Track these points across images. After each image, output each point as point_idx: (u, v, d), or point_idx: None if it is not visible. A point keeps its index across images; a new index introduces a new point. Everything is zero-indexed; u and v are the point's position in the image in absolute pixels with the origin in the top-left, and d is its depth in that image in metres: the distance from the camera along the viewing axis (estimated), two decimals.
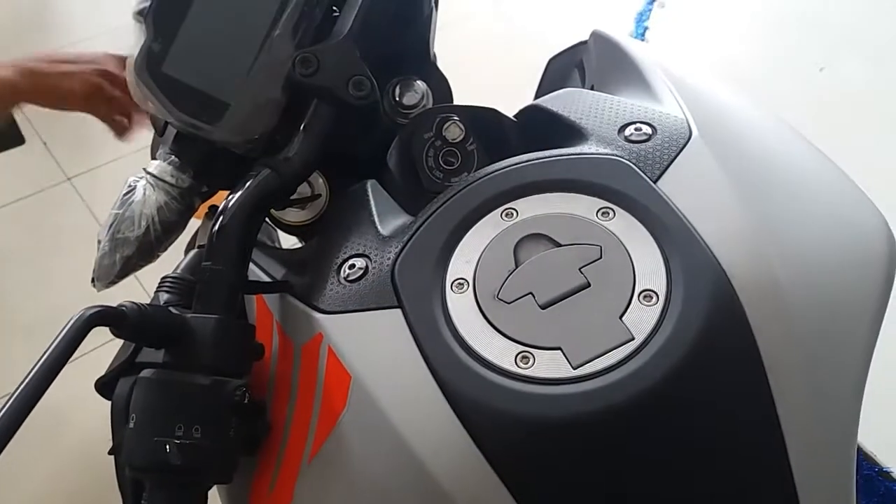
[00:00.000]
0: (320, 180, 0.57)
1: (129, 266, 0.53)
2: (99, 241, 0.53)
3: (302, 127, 0.48)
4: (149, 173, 0.53)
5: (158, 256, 0.56)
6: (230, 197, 0.45)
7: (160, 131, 0.55)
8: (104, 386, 0.45)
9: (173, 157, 0.53)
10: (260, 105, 0.49)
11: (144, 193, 0.52)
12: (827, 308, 0.39)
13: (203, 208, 0.61)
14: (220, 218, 0.44)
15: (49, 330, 0.35)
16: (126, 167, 1.66)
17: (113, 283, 0.54)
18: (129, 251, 0.52)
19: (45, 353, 0.34)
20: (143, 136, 1.65)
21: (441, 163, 0.54)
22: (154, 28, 0.47)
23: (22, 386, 0.32)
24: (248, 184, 0.45)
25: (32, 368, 0.33)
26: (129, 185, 0.53)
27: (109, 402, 0.45)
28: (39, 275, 1.51)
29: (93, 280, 0.55)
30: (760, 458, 0.35)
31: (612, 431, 0.34)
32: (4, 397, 0.33)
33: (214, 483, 0.40)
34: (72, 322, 0.35)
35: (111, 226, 0.52)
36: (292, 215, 0.59)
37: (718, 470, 0.35)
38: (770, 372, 0.35)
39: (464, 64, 0.90)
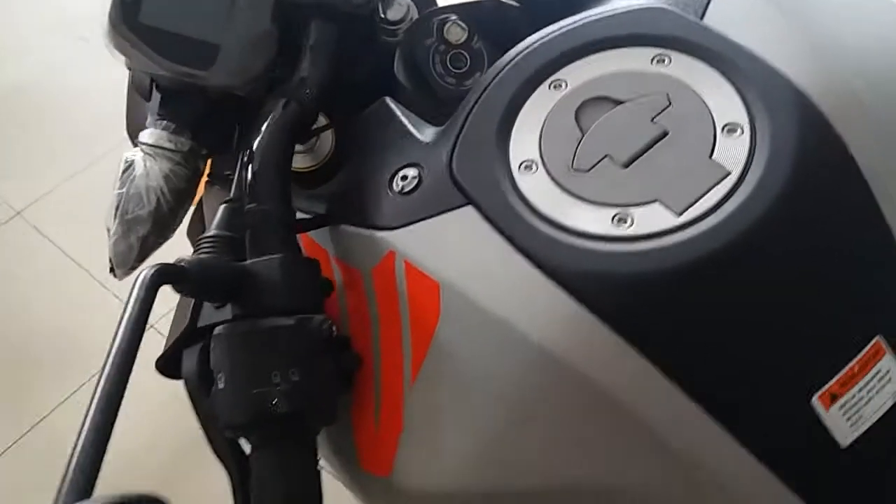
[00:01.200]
0: (322, 120, 0.54)
1: (148, 246, 0.49)
2: (108, 229, 0.50)
3: (309, 48, 0.45)
4: (145, 144, 0.49)
5: (174, 231, 0.52)
6: (254, 137, 0.42)
7: (146, 95, 0.51)
8: (166, 363, 0.42)
9: (166, 121, 0.49)
10: (252, 40, 0.45)
11: (146, 166, 0.48)
12: None
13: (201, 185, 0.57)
14: (253, 158, 0.41)
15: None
16: (76, 187, 1.59)
17: (133, 267, 0.50)
18: (145, 230, 0.48)
19: (121, 323, 0.31)
20: (90, 151, 1.58)
21: (450, 67, 0.51)
22: None
23: (111, 357, 0.30)
24: (269, 118, 0.42)
25: (114, 340, 0.31)
26: (127, 161, 0.49)
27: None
28: (15, 312, 1.44)
29: (111, 269, 0.51)
30: (878, 266, 0.35)
31: (735, 267, 0.32)
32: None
33: (321, 426, 0.38)
34: (137, 286, 0.33)
35: (118, 207, 0.48)
36: (298, 161, 0.56)
37: (839, 283, 0.34)
38: (871, 181, 0.35)
39: None
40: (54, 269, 1.46)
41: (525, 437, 0.35)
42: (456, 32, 0.51)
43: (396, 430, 0.39)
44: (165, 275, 0.34)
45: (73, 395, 1.27)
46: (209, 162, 0.55)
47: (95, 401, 0.28)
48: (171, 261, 0.35)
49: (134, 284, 0.33)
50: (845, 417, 0.34)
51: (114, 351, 0.30)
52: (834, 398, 0.33)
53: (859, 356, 0.33)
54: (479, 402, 0.36)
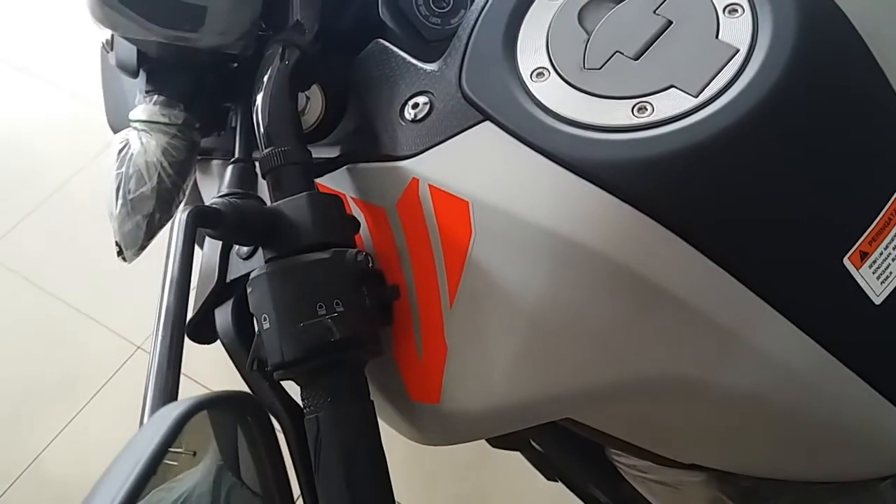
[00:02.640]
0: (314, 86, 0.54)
1: (154, 224, 0.48)
2: (110, 214, 0.49)
3: None
4: (138, 121, 0.48)
5: (178, 207, 0.51)
6: (258, 85, 0.41)
7: (133, 72, 0.50)
8: (197, 327, 0.42)
9: (156, 95, 0.48)
10: None
11: (142, 142, 0.48)
12: None
13: None
14: (261, 104, 0.40)
15: None
16: (42, 220, 1.54)
17: (143, 247, 0.49)
18: (149, 207, 0.47)
19: (168, 265, 0.31)
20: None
21: (434, 8, 0.51)
22: None
23: (168, 289, 0.30)
24: (271, 65, 0.42)
25: (164, 280, 0.31)
26: (122, 141, 0.49)
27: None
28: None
29: (119, 252, 0.50)
30: (889, 124, 0.36)
31: (755, 137, 0.33)
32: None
33: (369, 357, 0.38)
34: (177, 229, 0.32)
35: (119, 188, 0.48)
36: None
37: (854, 143, 0.35)
38: (870, 43, 0.36)
39: None
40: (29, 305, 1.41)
41: (571, 336, 0.36)
42: None
43: (441, 355, 0.39)
44: (202, 216, 0.34)
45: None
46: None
47: (161, 326, 0.28)
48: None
49: (173, 229, 0.32)
50: (875, 275, 0.35)
51: (167, 284, 0.29)
52: (864, 256, 0.34)
53: (883, 212, 0.34)
54: (522, 310, 0.36)
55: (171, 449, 0.24)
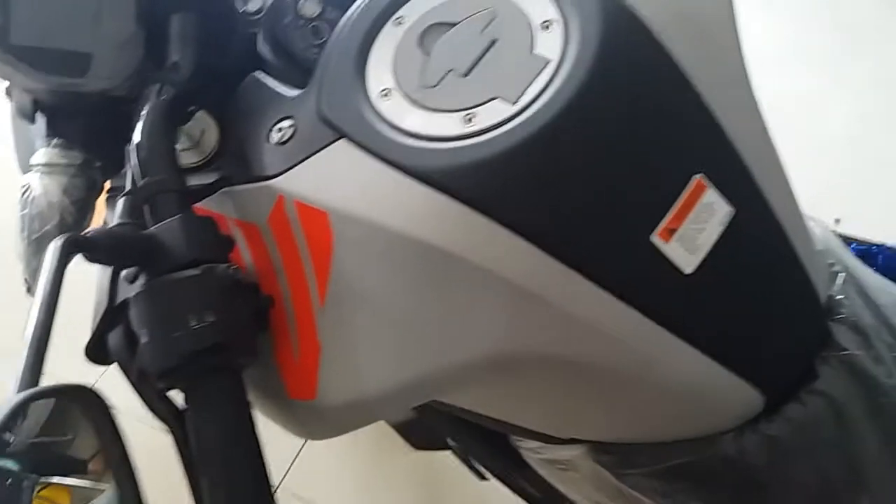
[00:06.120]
0: (208, 118, 0.57)
1: None
2: (19, 254, 0.51)
3: (174, 38, 0.48)
4: (38, 165, 0.51)
5: None
6: (135, 121, 0.45)
7: (30, 118, 0.53)
8: (94, 349, 0.45)
9: (55, 139, 0.51)
10: (120, 44, 0.48)
11: (43, 184, 0.51)
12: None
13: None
14: (137, 139, 0.43)
15: None
16: None
17: None
18: None
19: (38, 293, 0.34)
20: None
21: (311, 39, 0.55)
22: None
23: (32, 327, 0.33)
24: (148, 104, 0.45)
25: (32, 310, 0.33)
26: (24, 186, 0.51)
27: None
28: None
29: (28, 289, 0.52)
30: (687, 118, 0.41)
31: (564, 136, 0.38)
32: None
33: (243, 360, 0.41)
34: (49, 256, 0.35)
35: (24, 229, 0.50)
36: (188, 157, 0.59)
37: (655, 134, 0.40)
38: (668, 47, 0.41)
39: None
40: None
41: (421, 325, 0.40)
42: (310, 7, 0.55)
43: (315, 354, 0.42)
44: (75, 244, 0.36)
45: None
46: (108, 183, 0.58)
47: (28, 338, 0.31)
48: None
49: (46, 256, 0.35)
50: (683, 247, 0.40)
51: (38, 303, 0.32)
52: (671, 232, 0.39)
53: (684, 193, 0.40)
54: (378, 305, 0.40)
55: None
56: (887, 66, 1.74)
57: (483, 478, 0.91)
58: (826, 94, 1.73)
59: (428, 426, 0.73)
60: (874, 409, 0.47)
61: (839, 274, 0.51)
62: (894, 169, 1.54)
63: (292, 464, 1.32)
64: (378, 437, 1.29)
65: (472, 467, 0.88)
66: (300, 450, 1.32)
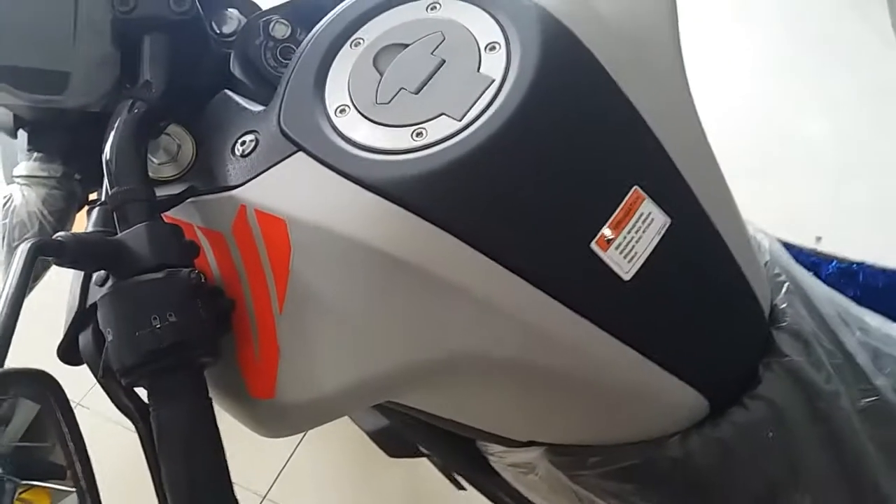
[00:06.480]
0: (185, 134, 0.60)
1: (38, 269, 0.54)
2: (1, 262, 0.54)
3: (147, 57, 0.51)
4: (20, 177, 0.54)
5: None
6: (107, 135, 0.47)
7: (13, 133, 0.55)
8: (67, 351, 0.47)
9: (35, 153, 0.54)
10: (98, 63, 0.51)
11: (24, 195, 0.53)
12: (635, 15, 0.47)
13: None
14: (108, 149, 0.46)
15: None
16: None
17: (30, 289, 0.54)
18: None
19: (4, 292, 0.36)
20: None
21: (281, 59, 0.58)
22: None
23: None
24: (120, 118, 0.48)
25: (2, 297, 0.36)
26: (5, 197, 0.54)
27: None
28: None
29: None
30: (625, 133, 0.44)
31: (505, 149, 0.40)
32: None
33: (204, 358, 0.43)
34: (17, 259, 0.38)
35: (5, 237, 0.53)
36: (166, 171, 0.62)
37: (592, 149, 0.43)
38: (607, 65, 0.43)
39: None
40: None
41: (372, 328, 0.42)
42: (280, 29, 0.58)
43: (274, 356, 0.45)
44: (43, 248, 0.39)
45: None
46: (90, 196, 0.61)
47: None
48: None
49: (14, 258, 0.37)
50: (622, 255, 0.42)
51: (3, 299, 0.35)
52: (609, 241, 0.42)
53: (622, 204, 0.42)
54: (333, 309, 0.42)
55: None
56: (863, 79, 1.76)
57: (461, 487, 0.93)
58: (803, 108, 1.75)
59: (397, 433, 0.75)
60: (813, 414, 0.49)
61: (784, 284, 0.53)
62: (874, 186, 1.56)
63: (279, 474, 1.34)
64: (364, 448, 1.31)
65: (449, 477, 0.90)
66: (287, 461, 1.34)
